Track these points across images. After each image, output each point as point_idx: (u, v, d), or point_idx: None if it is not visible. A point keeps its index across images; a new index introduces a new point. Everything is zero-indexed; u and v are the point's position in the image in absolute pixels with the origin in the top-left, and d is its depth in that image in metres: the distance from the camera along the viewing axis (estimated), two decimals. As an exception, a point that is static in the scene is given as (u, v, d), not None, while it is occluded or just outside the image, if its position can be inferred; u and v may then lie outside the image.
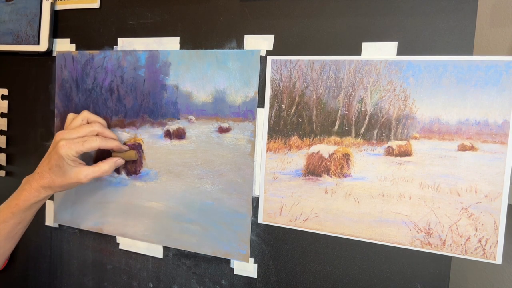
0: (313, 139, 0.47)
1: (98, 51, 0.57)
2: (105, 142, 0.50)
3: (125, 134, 0.56)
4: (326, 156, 0.47)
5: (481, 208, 0.41)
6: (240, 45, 0.50)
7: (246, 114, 0.50)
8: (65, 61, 0.59)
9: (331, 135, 0.47)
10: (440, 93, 0.42)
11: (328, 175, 0.47)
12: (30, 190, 0.48)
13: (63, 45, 0.60)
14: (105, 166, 0.50)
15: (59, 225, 0.62)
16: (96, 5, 0.58)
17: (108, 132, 0.52)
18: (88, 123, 0.52)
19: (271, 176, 0.49)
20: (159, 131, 0.54)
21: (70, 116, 0.53)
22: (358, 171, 0.45)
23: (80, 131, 0.49)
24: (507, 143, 0.40)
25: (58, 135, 0.49)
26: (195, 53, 0.52)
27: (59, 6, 0.60)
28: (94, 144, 0.49)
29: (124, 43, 0.56)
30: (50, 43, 0.60)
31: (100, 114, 0.58)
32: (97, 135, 0.50)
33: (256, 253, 0.51)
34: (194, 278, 0.55)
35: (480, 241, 0.41)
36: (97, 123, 0.51)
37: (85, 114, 0.52)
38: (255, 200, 0.50)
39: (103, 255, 0.60)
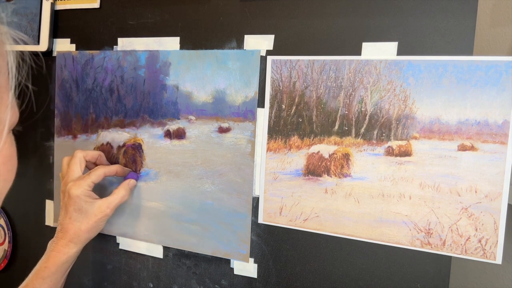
0: (313, 139, 0.47)
1: (98, 51, 0.57)
2: (108, 168, 0.51)
3: (125, 134, 0.56)
4: (326, 156, 0.47)
5: (481, 208, 0.41)
6: (240, 45, 0.50)
7: (246, 114, 0.50)
8: (65, 61, 0.59)
9: (331, 135, 0.47)
10: (440, 93, 0.42)
11: (328, 175, 0.47)
12: (58, 250, 0.47)
13: (63, 45, 0.60)
14: (122, 191, 0.51)
15: (59, 225, 0.62)
16: (96, 5, 0.58)
17: (104, 160, 0.55)
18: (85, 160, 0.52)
19: (271, 176, 0.49)
20: (159, 131, 0.54)
21: (65, 160, 0.52)
22: (358, 171, 0.45)
23: (79, 171, 0.50)
24: (507, 143, 0.40)
25: (63, 184, 0.50)
26: (195, 53, 0.52)
27: (59, 6, 0.60)
28: (99, 172, 0.50)
29: (124, 43, 0.56)
30: (50, 43, 0.60)
31: (100, 114, 0.58)
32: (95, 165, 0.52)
33: (256, 253, 0.51)
34: (194, 278, 0.55)
35: (480, 241, 0.41)
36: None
37: (80, 156, 0.51)
38: (255, 200, 0.50)
39: (103, 255, 0.60)
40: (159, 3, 0.55)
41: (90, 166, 0.54)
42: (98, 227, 0.49)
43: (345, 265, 0.47)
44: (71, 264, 0.49)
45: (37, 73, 0.63)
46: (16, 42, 0.25)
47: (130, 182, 0.53)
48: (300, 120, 0.48)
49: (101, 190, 0.57)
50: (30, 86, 0.26)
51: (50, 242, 0.49)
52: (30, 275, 0.47)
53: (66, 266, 0.48)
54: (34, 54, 0.62)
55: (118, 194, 0.50)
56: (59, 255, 0.47)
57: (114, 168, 0.52)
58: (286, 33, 0.48)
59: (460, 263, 0.73)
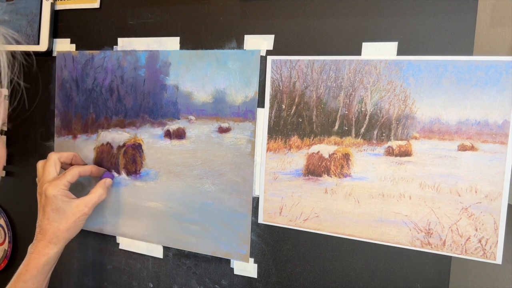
0: (313, 139, 0.47)
1: (98, 51, 0.57)
2: (83, 168, 0.52)
3: (125, 134, 0.56)
4: (326, 156, 0.47)
5: (481, 208, 0.41)
6: (240, 45, 0.50)
7: (246, 114, 0.50)
8: (65, 61, 0.59)
9: (331, 135, 0.47)
10: (440, 93, 0.42)
11: (328, 175, 0.47)
12: (37, 252, 0.47)
13: (63, 45, 0.60)
14: (100, 189, 0.51)
15: (59, 225, 0.62)
16: (96, 5, 0.58)
17: (80, 160, 0.56)
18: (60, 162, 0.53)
19: (271, 176, 0.49)
20: (159, 131, 0.54)
21: (40, 163, 0.52)
22: (358, 171, 0.45)
23: (54, 173, 0.50)
24: (507, 143, 0.40)
25: (39, 186, 0.50)
26: (195, 53, 0.52)
27: (59, 6, 0.60)
28: (74, 171, 0.50)
29: (124, 43, 0.56)
30: (50, 43, 0.60)
31: (100, 114, 0.58)
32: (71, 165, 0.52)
33: (256, 253, 0.51)
34: (194, 278, 0.55)
35: (480, 241, 0.41)
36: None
37: (54, 158, 0.51)
38: (255, 200, 0.50)
39: (103, 255, 0.60)
40: (159, 3, 0.55)
41: (66, 167, 0.54)
42: (77, 227, 0.49)
43: (345, 265, 0.47)
44: (53, 266, 0.49)
45: (36, 73, 0.63)
46: (9, 42, 0.24)
47: (107, 181, 0.53)
48: (300, 120, 0.48)
49: (79, 190, 0.56)
50: (21, 83, 0.26)
51: (30, 246, 0.48)
52: (12, 279, 0.46)
53: (47, 268, 0.47)
54: (31, 54, 0.62)
55: (96, 193, 0.50)
56: (38, 257, 0.46)
57: (89, 168, 0.53)
58: (286, 33, 0.48)
59: (460, 263, 0.73)
